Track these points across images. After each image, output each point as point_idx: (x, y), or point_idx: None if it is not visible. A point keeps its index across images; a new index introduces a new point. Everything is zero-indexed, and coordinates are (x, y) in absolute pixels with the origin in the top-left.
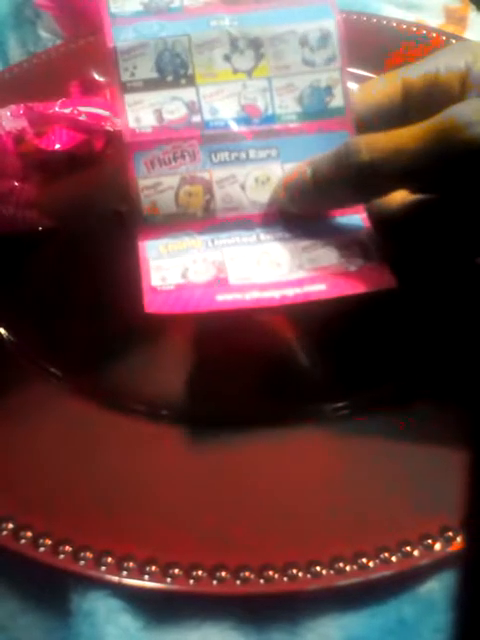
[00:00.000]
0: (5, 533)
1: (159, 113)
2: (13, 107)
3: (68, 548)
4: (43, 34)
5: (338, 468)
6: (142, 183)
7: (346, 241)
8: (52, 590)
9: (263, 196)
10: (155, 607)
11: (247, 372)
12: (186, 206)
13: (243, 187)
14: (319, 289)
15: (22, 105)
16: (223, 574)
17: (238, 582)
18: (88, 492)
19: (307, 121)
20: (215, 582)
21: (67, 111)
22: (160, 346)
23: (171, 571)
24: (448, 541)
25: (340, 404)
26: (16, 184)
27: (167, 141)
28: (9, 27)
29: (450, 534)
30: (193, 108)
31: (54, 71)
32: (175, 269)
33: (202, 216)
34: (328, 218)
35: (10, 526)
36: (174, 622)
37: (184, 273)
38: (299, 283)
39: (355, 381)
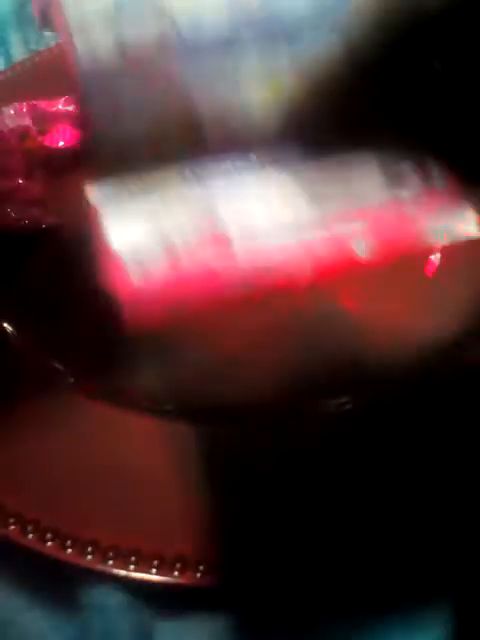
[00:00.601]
0: (13, 528)
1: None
2: (16, 105)
3: (75, 543)
4: (46, 32)
5: (341, 463)
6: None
7: (396, 156)
8: (59, 585)
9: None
10: (162, 601)
11: (252, 366)
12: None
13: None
14: (356, 228)
15: (25, 103)
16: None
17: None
18: (95, 488)
19: None
20: (223, 577)
21: (70, 108)
22: (166, 342)
23: (178, 565)
24: None
25: (343, 399)
26: (20, 182)
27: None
28: (11, 25)
29: None
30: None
31: (57, 69)
32: (151, 237)
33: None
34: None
35: (18, 522)
36: (182, 616)
37: (166, 245)
38: (326, 223)
39: (358, 376)
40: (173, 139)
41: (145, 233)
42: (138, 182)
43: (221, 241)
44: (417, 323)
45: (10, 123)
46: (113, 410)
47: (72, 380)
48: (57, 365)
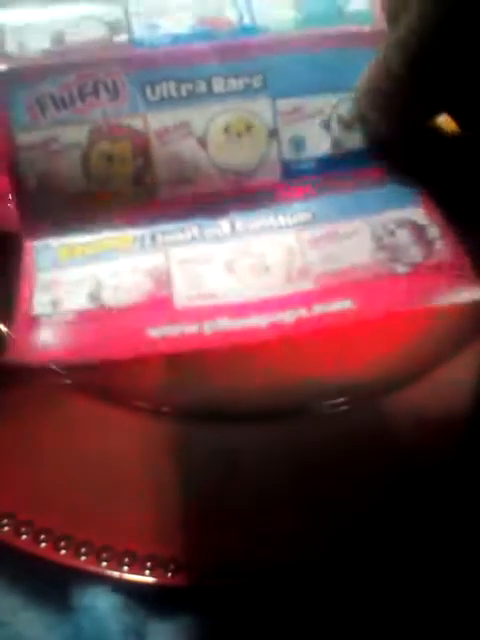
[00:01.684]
0: (6, 529)
1: (59, 34)
2: None
3: (69, 544)
4: None
5: (339, 461)
6: (24, 139)
7: (391, 223)
8: (53, 586)
9: (241, 157)
10: (156, 603)
11: (250, 368)
12: (104, 178)
13: (204, 144)
14: (341, 308)
15: None
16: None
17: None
18: (89, 488)
19: (310, 28)
20: (216, 578)
21: None
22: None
23: (171, 566)
24: None
25: (340, 399)
26: None
27: (68, 68)
28: None
29: None
30: (117, 27)
31: None
32: (79, 287)
33: (133, 195)
34: (361, 190)
35: (11, 522)
36: (175, 617)
37: (94, 293)
38: (304, 300)
39: (354, 376)
40: (125, 197)
41: (73, 273)
42: (75, 244)
43: (162, 300)
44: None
45: None
46: (108, 411)
47: (67, 380)
48: (51, 365)
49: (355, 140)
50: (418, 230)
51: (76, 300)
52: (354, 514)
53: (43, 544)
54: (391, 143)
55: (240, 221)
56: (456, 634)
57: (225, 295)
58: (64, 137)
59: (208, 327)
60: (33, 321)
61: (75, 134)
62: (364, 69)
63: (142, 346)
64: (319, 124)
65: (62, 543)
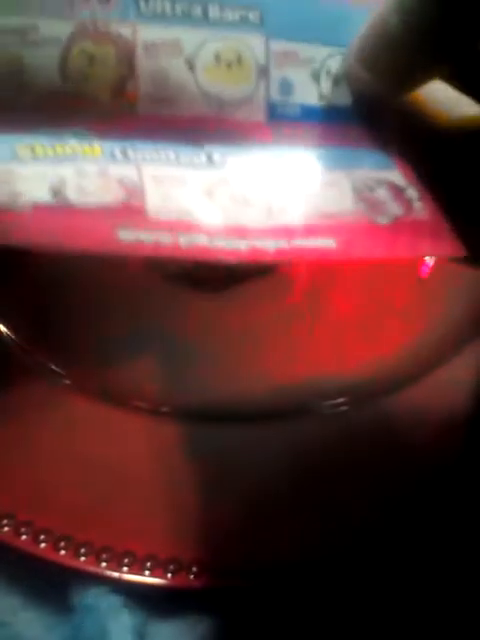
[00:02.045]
0: (6, 529)
1: None
2: None
3: (69, 544)
4: None
5: (340, 462)
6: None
7: (370, 180)
8: (53, 586)
9: (228, 87)
10: (156, 603)
11: (250, 368)
12: (81, 79)
13: (192, 66)
14: (323, 245)
15: None
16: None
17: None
18: (89, 489)
19: None
20: (217, 579)
21: None
22: (161, 343)
23: (171, 567)
24: None
25: (340, 400)
26: None
27: None
28: None
29: None
30: None
31: None
32: (40, 180)
33: (110, 106)
34: (342, 145)
35: (11, 523)
36: (174, 618)
37: (57, 189)
38: (286, 232)
39: (354, 375)
40: (100, 105)
41: (34, 169)
42: (38, 145)
43: (133, 208)
44: (411, 324)
45: None
46: (109, 411)
47: (67, 381)
48: (52, 365)
49: (341, 96)
50: (397, 189)
51: (36, 194)
52: (356, 515)
53: (43, 544)
54: (373, 105)
55: (218, 154)
56: (456, 634)
57: (203, 216)
58: (46, 29)
59: (183, 240)
60: None
61: (58, 28)
62: (361, 28)
63: (111, 245)
64: (309, 73)
65: (62, 543)
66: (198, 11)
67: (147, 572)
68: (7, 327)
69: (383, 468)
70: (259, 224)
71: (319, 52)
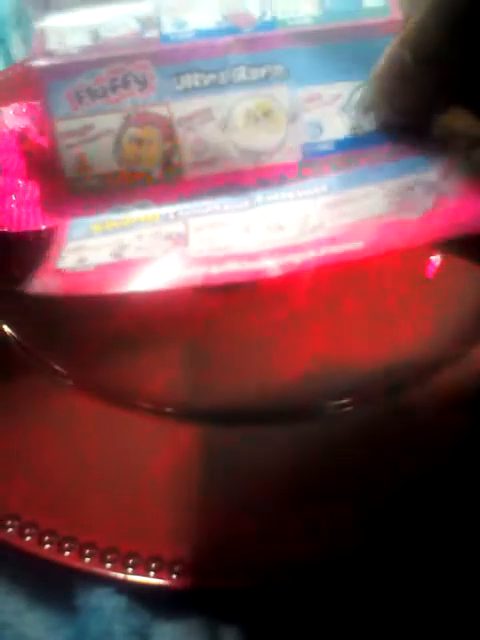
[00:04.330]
0: (10, 531)
1: (95, 32)
2: (16, 105)
3: (73, 545)
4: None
5: (342, 463)
6: (63, 127)
7: (403, 186)
8: (57, 587)
9: (261, 138)
10: (160, 604)
11: (254, 368)
12: (134, 161)
13: (225, 126)
14: (351, 248)
15: (25, 103)
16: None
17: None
18: (93, 489)
19: (330, 23)
20: (221, 580)
21: None
22: (165, 342)
23: (176, 568)
24: None
25: (344, 400)
26: (20, 182)
27: (102, 63)
28: (11, 25)
29: None
30: (148, 23)
31: None
32: (105, 247)
33: (160, 177)
34: (377, 163)
35: (15, 524)
36: (179, 619)
37: (117, 251)
38: (314, 245)
39: (358, 378)
40: (153, 177)
41: (101, 240)
42: (109, 220)
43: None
44: (417, 324)
45: (9, 123)
46: (113, 411)
47: (70, 381)
48: (55, 366)
49: (372, 122)
50: (431, 187)
51: (100, 258)
52: (358, 515)
53: (47, 545)
54: (400, 130)
55: (260, 196)
56: (456, 634)
57: (238, 247)
58: (99, 125)
59: (215, 269)
60: (56, 272)
61: (109, 121)
62: (380, 57)
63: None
64: (337, 108)
65: (66, 544)
66: (224, 78)
67: (152, 573)
68: (10, 327)
69: (390, 468)
70: (291, 243)
71: (345, 87)
